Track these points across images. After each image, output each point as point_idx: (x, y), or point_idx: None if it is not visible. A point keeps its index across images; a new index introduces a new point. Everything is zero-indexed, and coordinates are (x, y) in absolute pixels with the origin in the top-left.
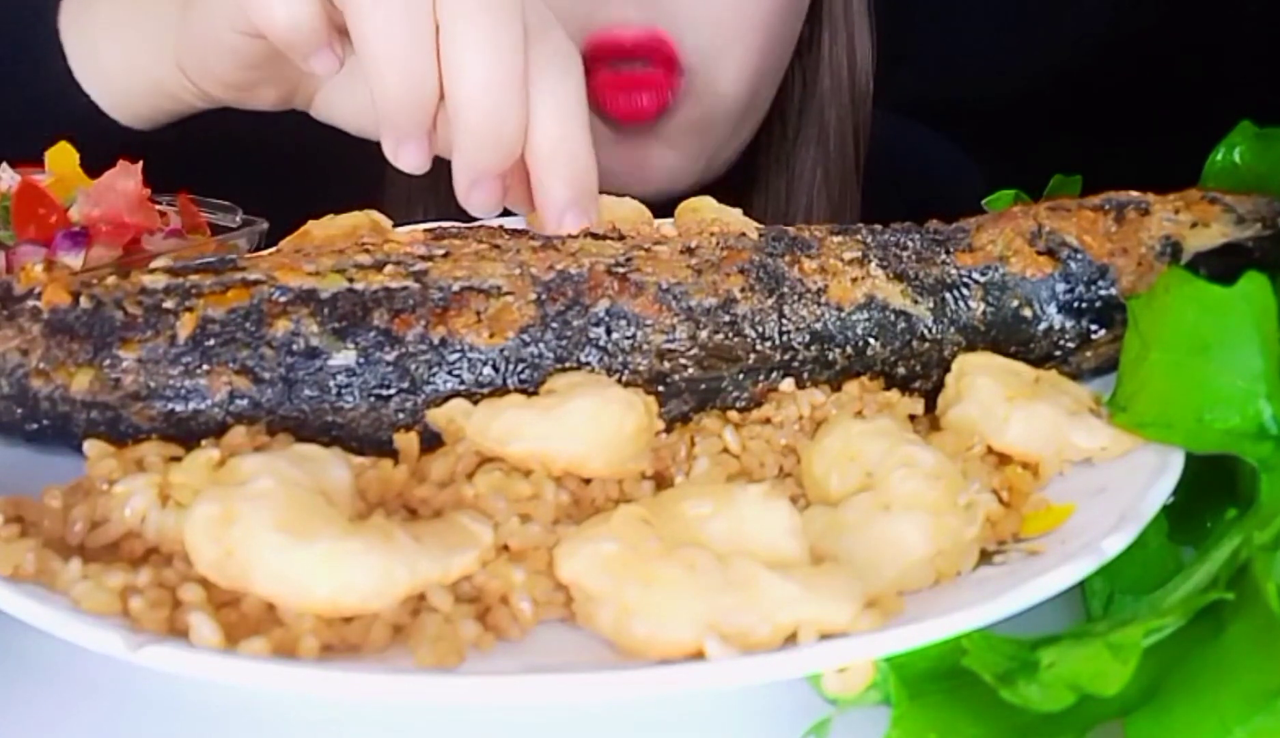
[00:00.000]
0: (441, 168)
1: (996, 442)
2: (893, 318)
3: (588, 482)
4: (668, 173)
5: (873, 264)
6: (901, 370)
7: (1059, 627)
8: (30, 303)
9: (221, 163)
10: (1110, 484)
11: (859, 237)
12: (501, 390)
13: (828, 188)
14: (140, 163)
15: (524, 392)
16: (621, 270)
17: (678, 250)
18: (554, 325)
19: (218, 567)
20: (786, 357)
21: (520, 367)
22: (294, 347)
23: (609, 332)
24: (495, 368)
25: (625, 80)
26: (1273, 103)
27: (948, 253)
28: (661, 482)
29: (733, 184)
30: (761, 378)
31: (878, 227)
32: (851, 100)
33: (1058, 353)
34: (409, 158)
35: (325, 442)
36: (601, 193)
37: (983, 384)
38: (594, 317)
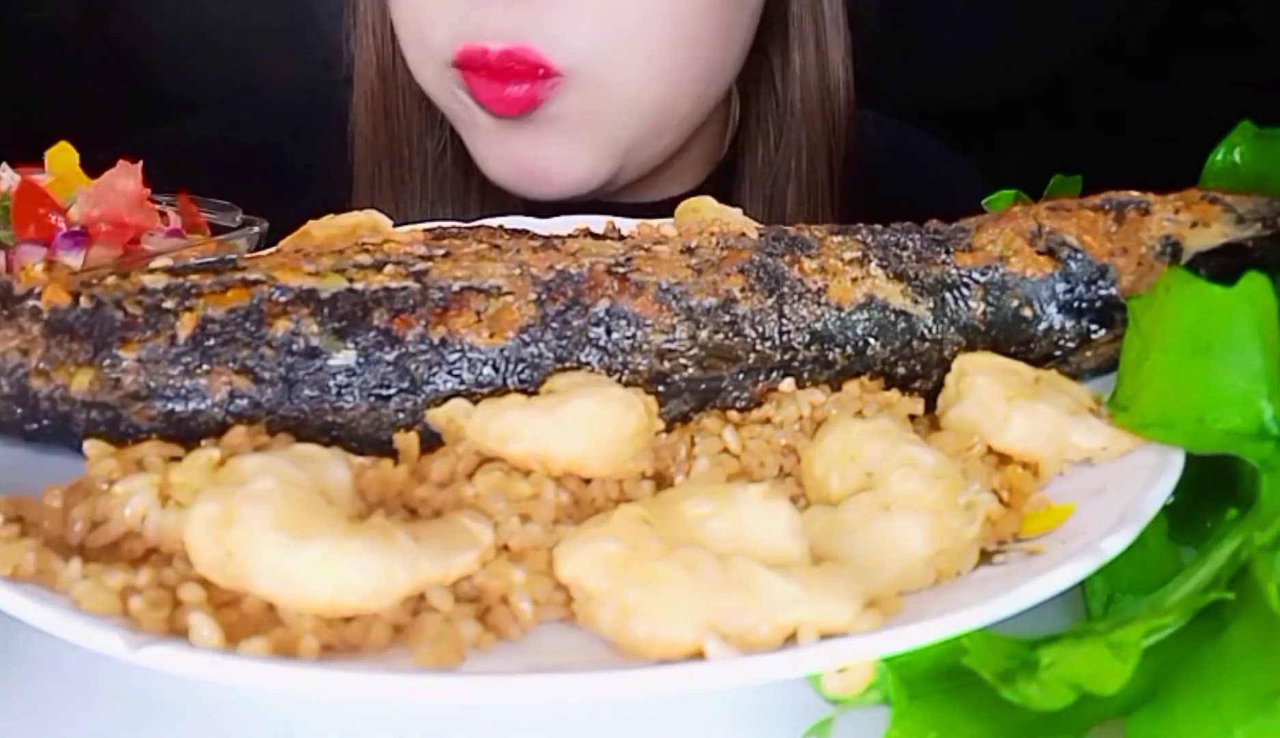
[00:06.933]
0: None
1: (996, 442)
2: (893, 318)
3: (588, 482)
4: (561, 163)
5: (873, 264)
6: (901, 370)
7: (1059, 627)
8: (30, 303)
9: (221, 163)
10: (1110, 484)
11: (859, 236)
12: (501, 390)
13: (799, 205)
14: (140, 163)
15: (524, 392)
16: (621, 270)
17: (678, 250)
18: (554, 325)
19: (218, 567)
20: (786, 357)
21: (520, 367)
22: (294, 347)
23: (609, 332)
24: (495, 368)
25: (496, 73)
26: (1273, 103)
27: (948, 253)
28: (661, 482)
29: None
30: (761, 378)
31: (878, 227)
32: (824, 116)
33: (1058, 353)
34: None
35: (325, 442)
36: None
37: (983, 384)
38: (594, 317)
